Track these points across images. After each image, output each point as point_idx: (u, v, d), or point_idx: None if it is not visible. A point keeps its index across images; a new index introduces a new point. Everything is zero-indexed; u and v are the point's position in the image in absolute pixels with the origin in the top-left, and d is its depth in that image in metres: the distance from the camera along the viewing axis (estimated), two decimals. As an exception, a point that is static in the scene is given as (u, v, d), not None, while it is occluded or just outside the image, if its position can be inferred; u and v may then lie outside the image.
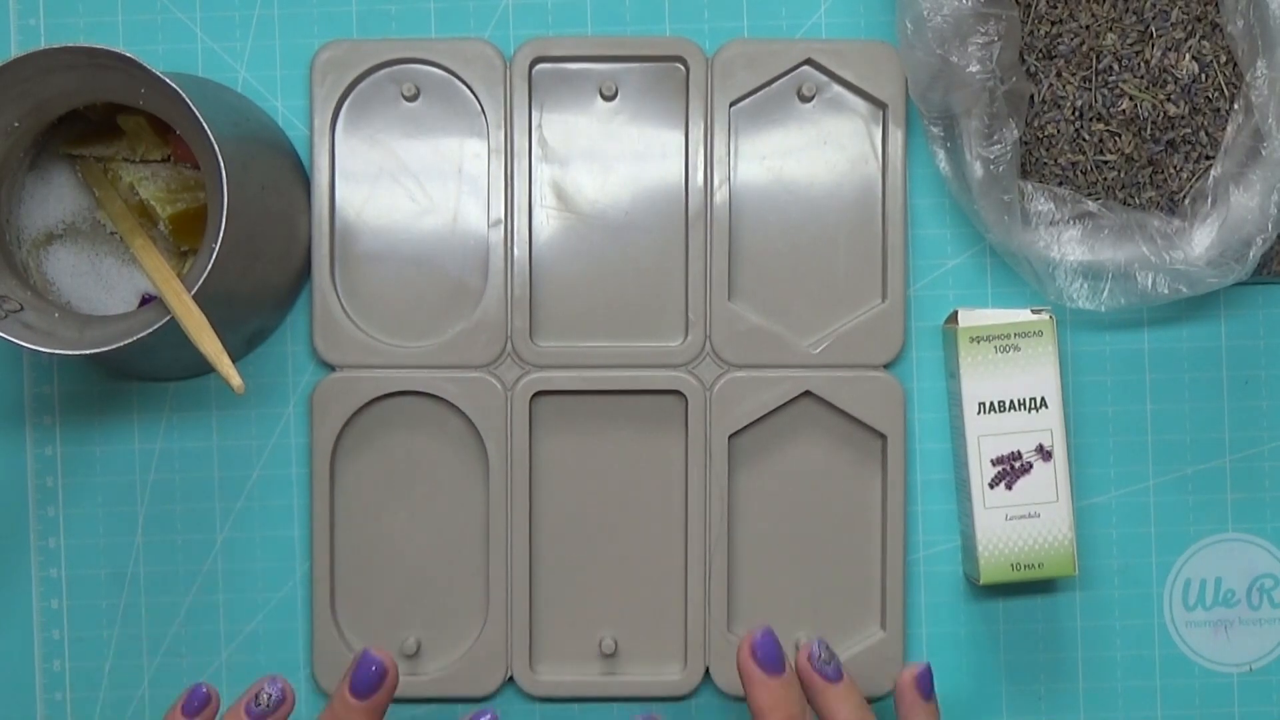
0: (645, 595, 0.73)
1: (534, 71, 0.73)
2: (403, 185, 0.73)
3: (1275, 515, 0.74)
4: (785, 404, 0.73)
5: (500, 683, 0.73)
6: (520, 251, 0.73)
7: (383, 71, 0.73)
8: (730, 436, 0.72)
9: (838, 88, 0.73)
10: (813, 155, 0.73)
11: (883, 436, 0.72)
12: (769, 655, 0.64)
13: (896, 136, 0.72)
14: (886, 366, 0.73)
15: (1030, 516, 0.70)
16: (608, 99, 0.73)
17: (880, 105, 0.73)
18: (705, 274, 0.72)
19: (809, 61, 0.72)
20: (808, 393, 0.72)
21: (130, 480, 0.74)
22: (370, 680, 0.64)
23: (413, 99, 0.73)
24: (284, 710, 0.64)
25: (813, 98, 0.73)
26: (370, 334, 0.73)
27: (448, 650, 0.74)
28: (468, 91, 0.73)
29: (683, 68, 0.73)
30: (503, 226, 0.73)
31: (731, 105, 0.72)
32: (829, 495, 0.73)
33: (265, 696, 0.64)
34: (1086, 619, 0.74)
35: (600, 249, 0.73)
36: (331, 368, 0.73)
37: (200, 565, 0.74)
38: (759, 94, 0.73)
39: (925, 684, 0.67)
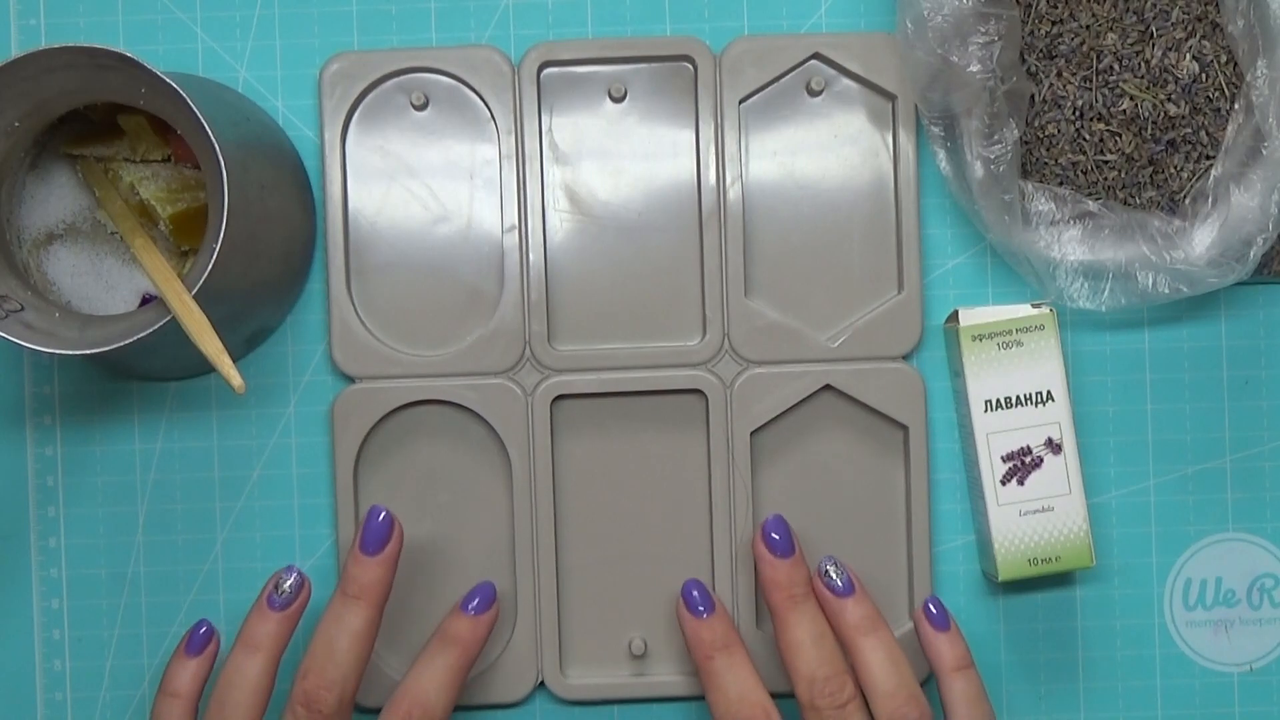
0: (673, 595, 0.73)
1: (542, 76, 0.73)
2: (415, 194, 0.73)
3: (1275, 515, 0.74)
4: (806, 399, 0.73)
5: (531, 688, 0.73)
6: (535, 256, 0.73)
7: (391, 82, 0.73)
8: (752, 433, 0.73)
9: (846, 81, 0.73)
10: (824, 149, 0.73)
11: (904, 427, 0.73)
12: (778, 543, 0.69)
13: (907, 126, 0.72)
14: (905, 357, 0.73)
15: (1044, 510, 0.71)
16: (617, 100, 0.73)
17: (889, 97, 0.73)
18: (721, 272, 0.72)
19: (816, 55, 0.72)
20: (828, 386, 0.72)
21: (130, 480, 0.74)
22: (379, 534, 0.67)
23: (422, 108, 0.73)
24: (304, 598, 0.68)
25: (821, 92, 0.73)
26: (388, 344, 0.73)
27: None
28: (476, 98, 0.73)
29: (691, 67, 0.73)
30: (517, 232, 0.73)
31: (741, 102, 0.72)
32: (853, 489, 0.74)
33: (285, 585, 0.67)
34: (1087, 618, 0.74)
35: (615, 250, 0.73)
36: (351, 379, 0.73)
37: (200, 565, 0.74)
38: (768, 90, 0.73)
39: (935, 616, 0.69)
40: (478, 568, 0.73)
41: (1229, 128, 0.70)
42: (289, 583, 0.67)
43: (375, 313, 0.73)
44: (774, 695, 0.73)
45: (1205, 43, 0.71)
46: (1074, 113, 0.71)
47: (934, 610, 0.69)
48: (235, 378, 0.63)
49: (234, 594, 0.74)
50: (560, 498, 0.73)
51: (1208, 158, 0.71)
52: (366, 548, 0.67)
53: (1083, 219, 0.71)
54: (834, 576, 0.68)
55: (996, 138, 0.69)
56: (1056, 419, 0.71)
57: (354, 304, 0.73)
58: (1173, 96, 0.71)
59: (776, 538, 0.68)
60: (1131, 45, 0.71)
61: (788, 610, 0.68)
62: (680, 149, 0.73)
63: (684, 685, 0.73)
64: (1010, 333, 0.71)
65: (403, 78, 0.73)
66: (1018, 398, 0.71)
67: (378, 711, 0.70)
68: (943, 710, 0.67)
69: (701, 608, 0.69)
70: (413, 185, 0.73)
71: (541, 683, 0.73)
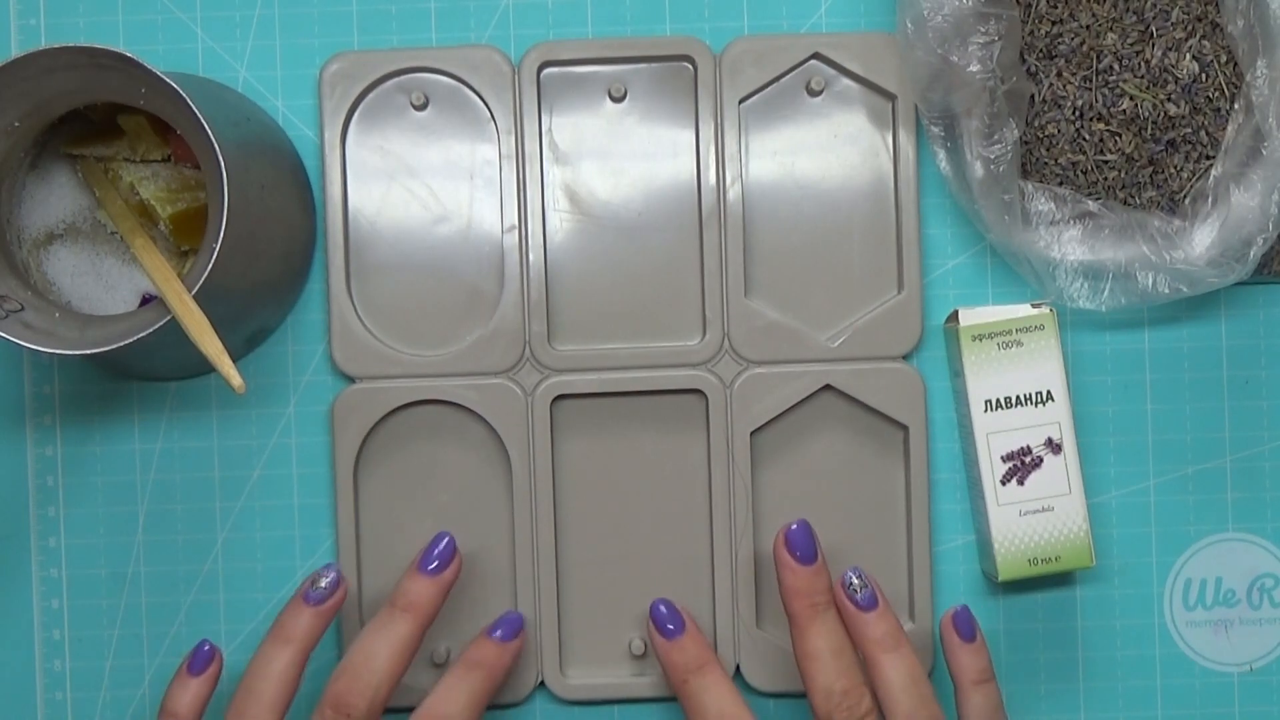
0: (672, 595, 0.73)
1: (542, 76, 0.73)
2: (415, 194, 0.73)
3: (1275, 515, 0.74)
4: (806, 399, 0.73)
5: (531, 687, 0.73)
6: (535, 256, 0.73)
7: (391, 81, 0.73)
8: (752, 433, 0.73)
9: (846, 81, 0.73)
10: (823, 149, 0.73)
11: (904, 427, 0.73)
12: (800, 546, 0.67)
13: (907, 126, 0.72)
14: (905, 357, 0.73)
15: (1044, 510, 0.71)
16: (617, 100, 0.73)
17: (889, 97, 0.73)
18: (721, 271, 0.72)
19: (816, 55, 0.72)
20: (828, 386, 0.72)
21: (130, 480, 0.74)
22: (441, 556, 0.68)
23: (422, 107, 0.73)
24: (339, 596, 0.68)
25: (821, 92, 0.73)
26: (388, 344, 0.73)
27: (479, 657, 0.74)
28: (476, 98, 0.73)
29: (691, 67, 0.73)
30: (517, 232, 0.73)
31: (741, 102, 0.72)
32: (852, 489, 0.74)
33: (322, 583, 0.67)
34: (1087, 618, 0.74)
35: (615, 250, 0.73)
36: (351, 379, 0.73)
37: (200, 565, 0.74)
38: (768, 90, 0.73)
39: (963, 625, 0.68)
40: (478, 567, 0.73)
41: (1229, 128, 0.70)
42: (326, 580, 0.67)
43: (375, 313, 0.73)
44: (772, 696, 0.73)
45: (1205, 43, 0.71)
46: (1074, 113, 0.71)
47: (961, 620, 0.68)
48: (235, 378, 0.63)
49: (234, 594, 0.74)
50: (560, 498, 0.73)
51: (1208, 158, 0.71)
52: (425, 566, 0.68)
53: (1083, 219, 0.71)
54: (857, 589, 0.67)
55: (996, 138, 0.69)
56: (1056, 419, 0.71)
57: (354, 304, 0.73)
58: (1173, 96, 0.71)
59: (799, 543, 0.67)
60: (1131, 45, 0.71)
61: (808, 620, 0.67)
62: (680, 149, 0.73)
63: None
64: (1010, 333, 0.71)
65: (403, 78, 0.73)
66: (1018, 398, 0.71)
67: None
68: None
69: (671, 627, 0.68)
70: (413, 185, 0.73)
71: (541, 683, 0.73)
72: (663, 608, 0.69)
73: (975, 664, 0.67)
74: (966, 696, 0.67)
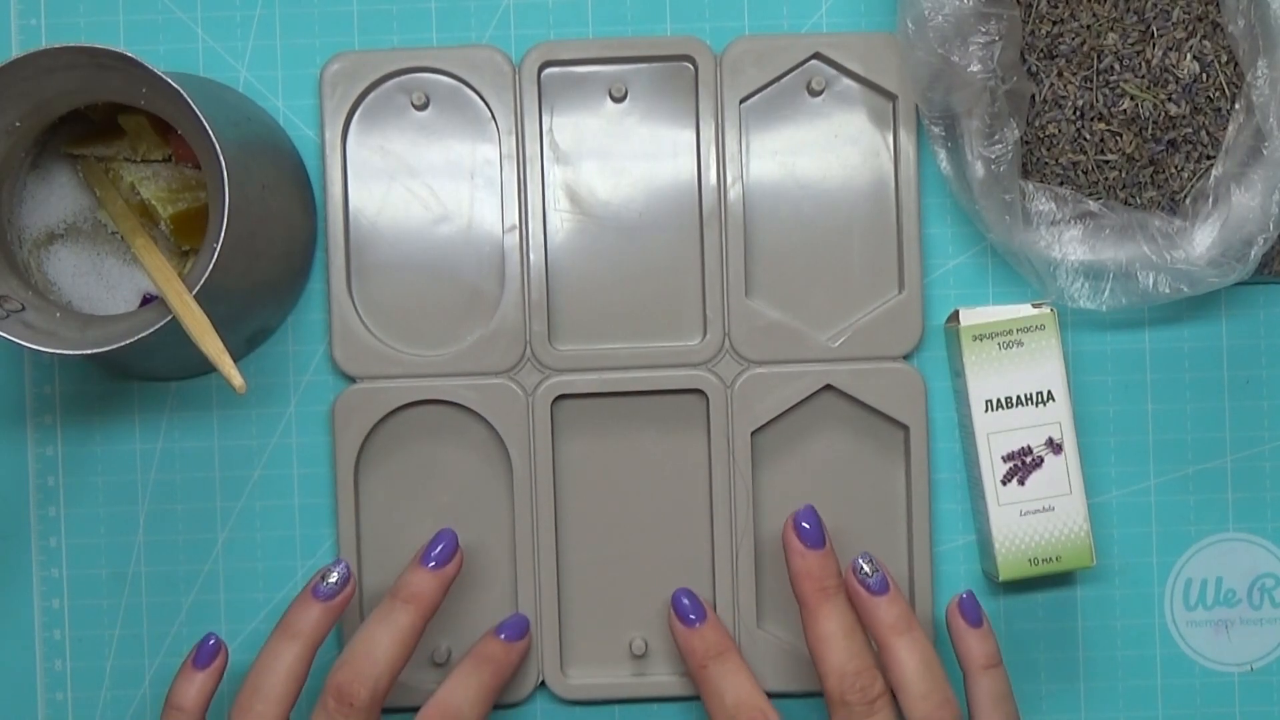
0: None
1: (543, 76, 0.73)
2: (416, 194, 0.73)
3: (1276, 515, 0.74)
4: (806, 399, 0.73)
5: (532, 687, 0.73)
6: (536, 256, 0.73)
7: (392, 81, 0.73)
8: (753, 433, 0.72)
9: (847, 81, 0.73)
10: (824, 149, 0.73)
11: (905, 427, 0.73)
12: (808, 532, 0.68)
13: (907, 126, 0.72)
14: (905, 357, 0.73)
15: (1045, 510, 0.71)
16: (617, 100, 0.73)
17: (890, 97, 0.73)
18: (722, 271, 0.72)
19: (817, 55, 0.72)
20: (828, 386, 0.72)
21: (131, 480, 0.74)
22: (443, 553, 0.68)
23: (423, 107, 0.73)
24: (348, 592, 0.68)
25: (822, 92, 0.73)
26: (389, 344, 0.73)
27: (479, 656, 0.74)
28: (477, 98, 0.73)
29: (691, 66, 0.73)
30: (517, 232, 0.73)
31: (741, 102, 0.72)
32: (853, 489, 0.74)
33: (331, 578, 0.67)
34: (1088, 618, 0.74)
35: (616, 250, 0.73)
36: (351, 379, 0.73)
37: (201, 565, 0.74)
38: (769, 90, 0.73)
39: (969, 610, 0.68)
40: (478, 567, 0.73)
41: (1229, 127, 0.70)
42: (335, 575, 0.67)
43: (376, 313, 0.73)
44: (774, 695, 0.73)
45: (1206, 42, 0.71)
46: (1075, 112, 0.71)
47: (967, 605, 0.68)
48: (236, 378, 0.64)
49: (234, 594, 0.74)
50: (560, 498, 0.73)
51: (1208, 158, 0.71)
52: (427, 561, 0.68)
53: (1083, 219, 0.71)
54: (868, 573, 0.67)
55: (997, 137, 0.69)
56: (1057, 419, 0.71)
57: (354, 304, 0.73)
58: (1173, 96, 0.71)
59: (807, 528, 0.68)
60: (1132, 45, 0.71)
61: (818, 603, 0.67)
62: (681, 149, 0.73)
63: (684, 685, 0.73)
64: (1011, 332, 0.71)
65: (403, 78, 0.73)
66: (1018, 397, 0.71)
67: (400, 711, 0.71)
68: (968, 707, 0.67)
69: (693, 616, 0.69)
70: (413, 185, 0.73)
71: (542, 683, 0.73)
72: (685, 598, 0.69)
73: (983, 649, 0.68)
74: (975, 681, 0.67)
